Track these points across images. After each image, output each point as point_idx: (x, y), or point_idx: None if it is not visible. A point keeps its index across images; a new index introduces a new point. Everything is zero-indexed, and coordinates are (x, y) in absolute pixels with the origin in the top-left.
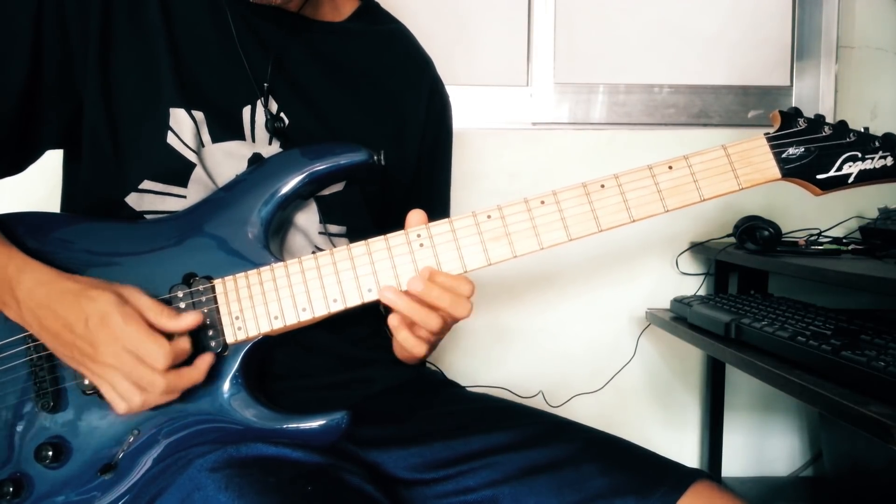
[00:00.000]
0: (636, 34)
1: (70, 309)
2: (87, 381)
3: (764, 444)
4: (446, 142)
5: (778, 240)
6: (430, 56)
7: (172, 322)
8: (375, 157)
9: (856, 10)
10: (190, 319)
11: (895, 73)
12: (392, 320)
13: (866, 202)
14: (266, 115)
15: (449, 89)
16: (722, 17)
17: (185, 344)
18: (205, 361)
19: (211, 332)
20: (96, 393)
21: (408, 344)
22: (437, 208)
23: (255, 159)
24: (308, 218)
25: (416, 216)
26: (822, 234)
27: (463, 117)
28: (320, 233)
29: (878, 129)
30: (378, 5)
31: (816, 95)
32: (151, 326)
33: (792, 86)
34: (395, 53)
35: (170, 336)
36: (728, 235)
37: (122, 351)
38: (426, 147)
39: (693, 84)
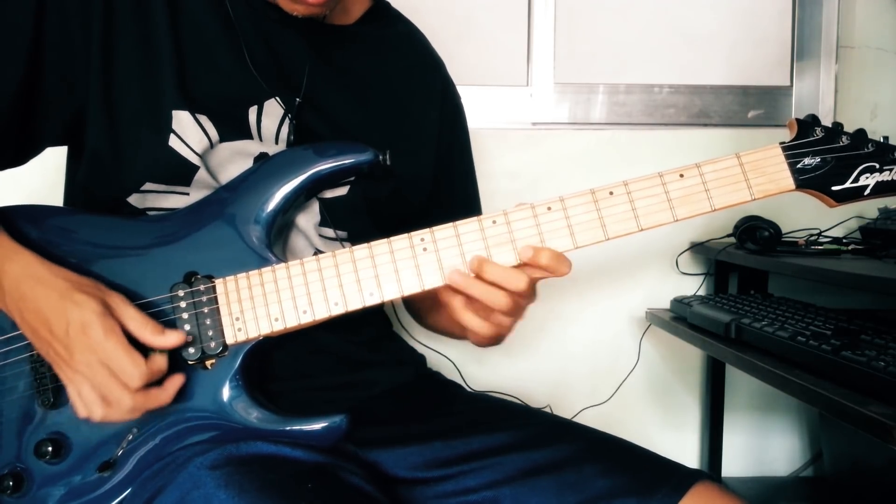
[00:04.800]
0: (636, 34)
1: (53, 309)
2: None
3: (764, 444)
4: (464, 146)
5: (778, 240)
6: None
7: (155, 337)
8: (381, 157)
9: (856, 10)
10: (174, 338)
11: (895, 73)
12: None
13: (866, 202)
14: (291, 134)
15: None
16: (722, 17)
17: (161, 363)
18: (174, 384)
19: (211, 333)
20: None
21: (474, 325)
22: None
23: (261, 158)
24: (309, 220)
25: None
26: (822, 234)
27: None
28: (320, 235)
29: (878, 130)
30: (388, 5)
31: (816, 95)
32: (133, 339)
33: (792, 86)
34: (405, 56)
35: (148, 351)
36: (728, 235)
37: (97, 363)
38: (442, 154)
39: (693, 84)
